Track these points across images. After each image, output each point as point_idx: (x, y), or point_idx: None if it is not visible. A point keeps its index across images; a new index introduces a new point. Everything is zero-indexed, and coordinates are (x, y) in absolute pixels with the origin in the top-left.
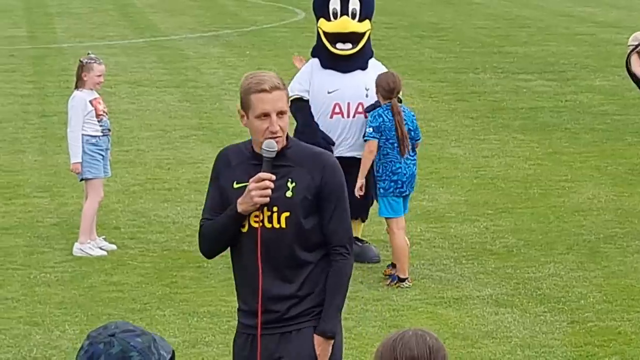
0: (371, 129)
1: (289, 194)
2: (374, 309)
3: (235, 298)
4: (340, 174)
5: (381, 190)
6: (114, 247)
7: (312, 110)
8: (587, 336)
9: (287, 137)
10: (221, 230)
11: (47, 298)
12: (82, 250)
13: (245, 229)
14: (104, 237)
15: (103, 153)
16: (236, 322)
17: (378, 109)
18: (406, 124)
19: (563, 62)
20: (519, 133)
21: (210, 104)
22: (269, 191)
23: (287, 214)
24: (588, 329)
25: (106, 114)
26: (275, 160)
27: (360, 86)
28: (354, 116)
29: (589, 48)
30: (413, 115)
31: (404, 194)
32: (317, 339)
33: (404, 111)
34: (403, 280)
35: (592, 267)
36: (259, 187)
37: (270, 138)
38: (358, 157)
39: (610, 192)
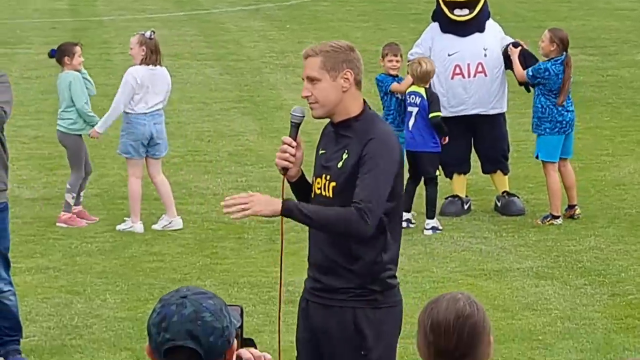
0: (531, 73)
1: (339, 164)
2: (414, 281)
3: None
4: (383, 147)
5: (547, 130)
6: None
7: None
8: (627, 309)
9: (364, 109)
10: (294, 193)
11: (88, 268)
12: None
13: (312, 196)
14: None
15: None
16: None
17: (546, 62)
18: None
19: (604, 37)
20: None
21: (250, 77)
22: (287, 155)
23: (334, 184)
24: (628, 301)
25: None
26: (342, 130)
27: (479, 47)
28: (474, 75)
29: (630, 23)
30: None
31: (567, 132)
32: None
33: None
34: (557, 217)
35: (633, 241)
36: (279, 150)
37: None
38: (482, 113)
39: None
